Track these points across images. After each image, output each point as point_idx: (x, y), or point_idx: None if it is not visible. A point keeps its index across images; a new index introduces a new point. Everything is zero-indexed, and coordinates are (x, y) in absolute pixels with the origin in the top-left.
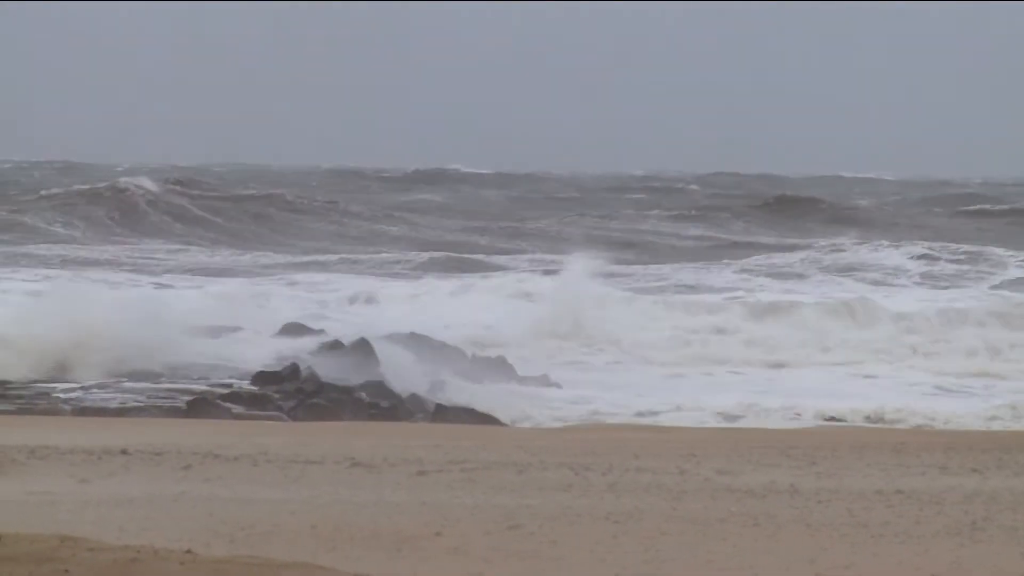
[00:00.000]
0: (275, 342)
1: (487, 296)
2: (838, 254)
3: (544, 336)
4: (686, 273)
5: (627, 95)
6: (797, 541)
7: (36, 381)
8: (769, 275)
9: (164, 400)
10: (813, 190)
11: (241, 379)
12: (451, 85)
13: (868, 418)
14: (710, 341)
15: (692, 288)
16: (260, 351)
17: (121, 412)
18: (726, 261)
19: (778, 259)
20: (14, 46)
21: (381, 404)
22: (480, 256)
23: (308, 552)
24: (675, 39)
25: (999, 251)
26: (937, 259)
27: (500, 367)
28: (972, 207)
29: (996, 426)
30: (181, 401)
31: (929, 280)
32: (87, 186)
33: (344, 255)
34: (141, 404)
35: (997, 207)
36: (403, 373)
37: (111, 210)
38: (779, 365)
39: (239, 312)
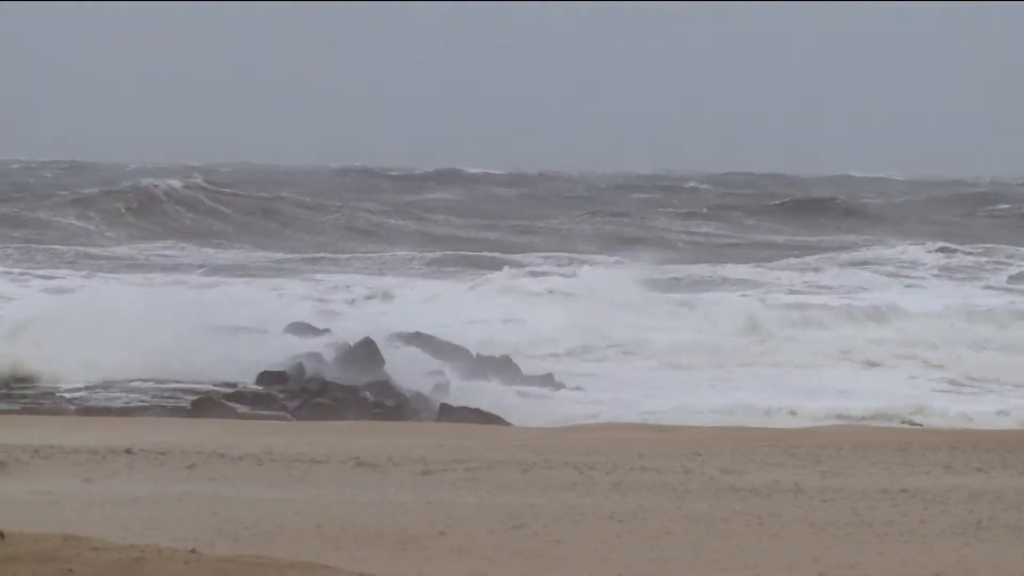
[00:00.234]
0: (280, 341)
1: (519, 297)
2: (894, 255)
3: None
4: (745, 271)
5: (627, 95)
6: (801, 540)
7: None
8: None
9: (168, 400)
10: (829, 190)
11: (246, 378)
12: (452, 85)
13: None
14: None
15: (798, 290)
16: (265, 350)
17: (125, 412)
18: (789, 259)
19: (841, 258)
20: (13, 46)
21: (386, 403)
22: (514, 255)
23: (312, 551)
24: (676, 39)
25: None
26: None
27: (505, 367)
28: (999, 206)
29: None
30: (185, 401)
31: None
32: (115, 187)
33: (369, 253)
34: (145, 404)
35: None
36: (408, 373)
37: (144, 210)
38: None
39: (250, 311)
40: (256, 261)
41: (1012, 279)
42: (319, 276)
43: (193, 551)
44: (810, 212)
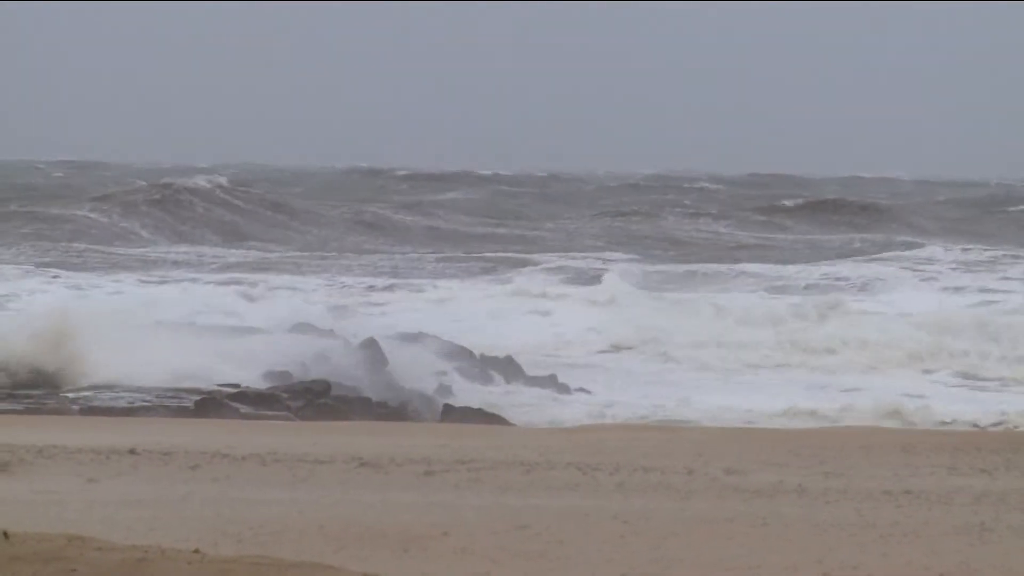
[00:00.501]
0: (284, 341)
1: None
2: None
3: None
4: (761, 268)
5: (623, 95)
6: (805, 541)
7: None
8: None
9: (172, 400)
10: (844, 190)
11: (250, 379)
12: (451, 85)
13: None
14: None
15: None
16: (269, 351)
17: (129, 412)
18: (859, 259)
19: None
20: (11, 45)
21: (389, 404)
22: (526, 255)
23: (316, 552)
24: (673, 38)
25: None
26: None
27: (508, 367)
28: (1020, 207)
29: None
30: (189, 401)
31: None
32: (138, 187)
33: (384, 253)
34: (149, 404)
35: None
36: (411, 373)
37: (174, 209)
38: None
39: (260, 310)
40: (279, 260)
41: None
42: (341, 277)
43: (196, 551)
44: (832, 212)
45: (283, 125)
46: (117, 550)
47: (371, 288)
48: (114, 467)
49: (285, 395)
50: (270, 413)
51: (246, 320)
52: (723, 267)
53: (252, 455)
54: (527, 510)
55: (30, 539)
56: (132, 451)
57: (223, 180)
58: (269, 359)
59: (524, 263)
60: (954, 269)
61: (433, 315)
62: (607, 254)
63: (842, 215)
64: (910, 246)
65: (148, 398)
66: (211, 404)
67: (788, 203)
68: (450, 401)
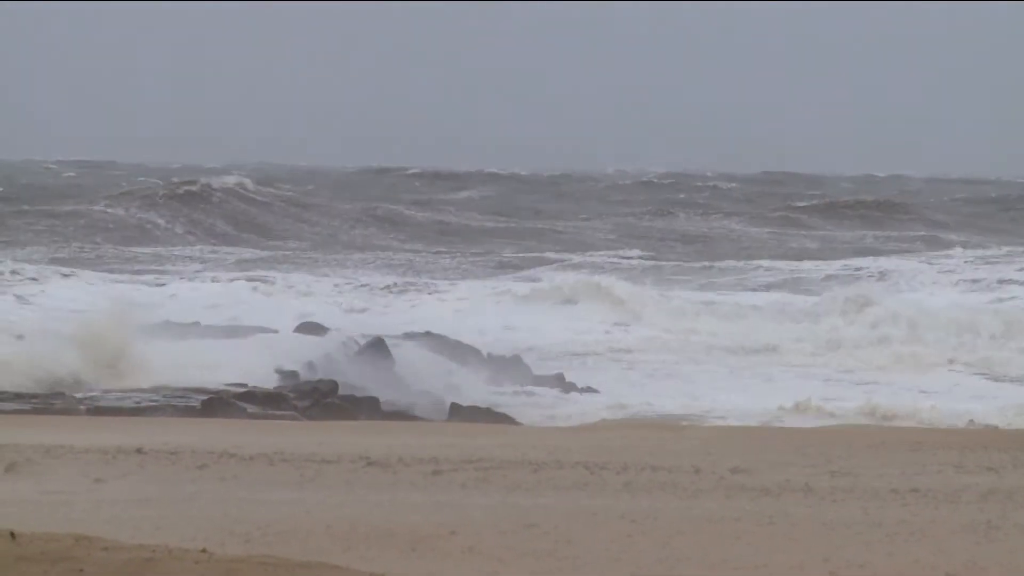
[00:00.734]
0: (291, 340)
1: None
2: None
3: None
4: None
5: (629, 94)
6: (812, 540)
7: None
8: None
9: (179, 400)
10: (857, 189)
11: (257, 378)
12: (452, 85)
13: None
14: None
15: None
16: (276, 350)
17: (136, 412)
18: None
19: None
20: (13, 45)
21: (396, 403)
22: (536, 254)
23: (323, 551)
24: (670, 38)
25: None
26: None
27: (516, 366)
28: None
29: None
30: (196, 401)
31: None
32: (154, 187)
33: (400, 252)
34: (156, 404)
35: None
36: (418, 372)
37: (199, 206)
38: None
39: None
40: (297, 258)
41: None
42: (360, 276)
43: (204, 551)
44: (851, 209)
45: (290, 125)
46: (124, 550)
47: (390, 287)
48: (121, 467)
49: (292, 395)
50: (277, 413)
51: (255, 319)
52: (739, 263)
53: (259, 455)
54: (535, 509)
55: (37, 539)
56: (139, 451)
57: (247, 180)
58: (276, 358)
59: (540, 262)
60: (972, 264)
61: (447, 313)
62: (623, 251)
63: (859, 212)
64: (931, 243)
65: (155, 398)
66: (218, 404)
67: (805, 202)
68: (457, 400)
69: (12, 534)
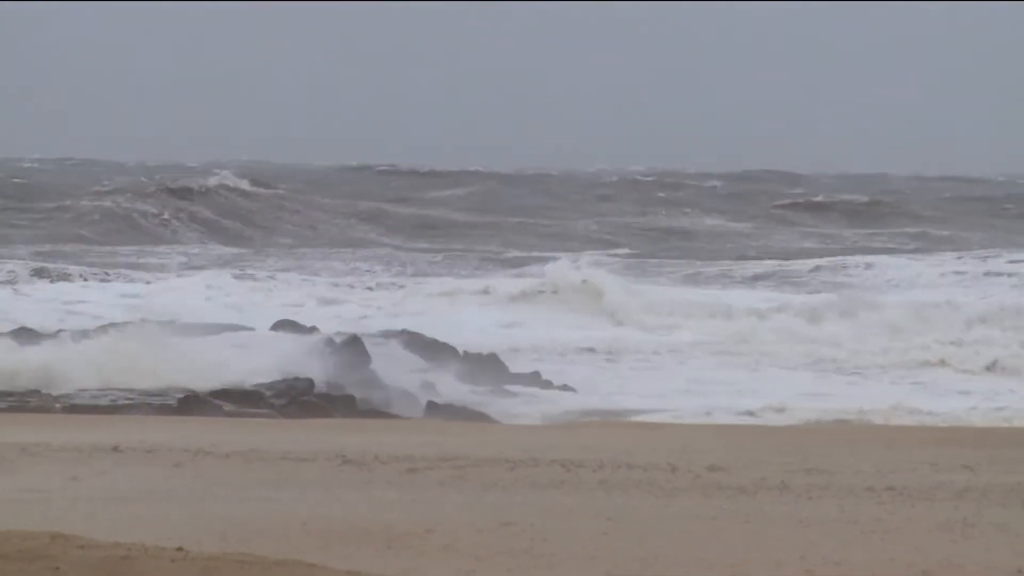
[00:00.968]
0: (267, 339)
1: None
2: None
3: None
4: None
5: (607, 94)
6: (788, 538)
7: None
8: None
9: (155, 398)
10: (840, 186)
11: (232, 377)
12: (450, 85)
13: None
14: None
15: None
16: (251, 348)
17: (112, 410)
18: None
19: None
20: (11, 45)
21: (372, 401)
22: (520, 253)
23: (299, 549)
24: (666, 38)
25: None
26: None
27: (492, 364)
28: None
29: None
30: (172, 399)
31: None
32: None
33: (390, 249)
34: (132, 402)
35: None
36: (394, 370)
37: (184, 205)
38: None
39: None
40: (282, 256)
41: None
42: (347, 275)
43: (180, 549)
44: (837, 208)
45: (288, 125)
46: (101, 548)
47: (375, 285)
48: (97, 465)
49: (268, 393)
50: (253, 411)
51: (230, 318)
52: (731, 263)
53: (235, 453)
54: (511, 507)
55: (14, 537)
56: (115, 449)
57: (239, 179)
58: (252, 357)
59: (522, 260)
60: (961, 260)
61: (429, 310)
62: (606, 248)
63: (844, 210)
64: (920, 239)
65: (131, 396)
66: (194, 402)
67: (793, 200)
68: (434, 398)
69: None
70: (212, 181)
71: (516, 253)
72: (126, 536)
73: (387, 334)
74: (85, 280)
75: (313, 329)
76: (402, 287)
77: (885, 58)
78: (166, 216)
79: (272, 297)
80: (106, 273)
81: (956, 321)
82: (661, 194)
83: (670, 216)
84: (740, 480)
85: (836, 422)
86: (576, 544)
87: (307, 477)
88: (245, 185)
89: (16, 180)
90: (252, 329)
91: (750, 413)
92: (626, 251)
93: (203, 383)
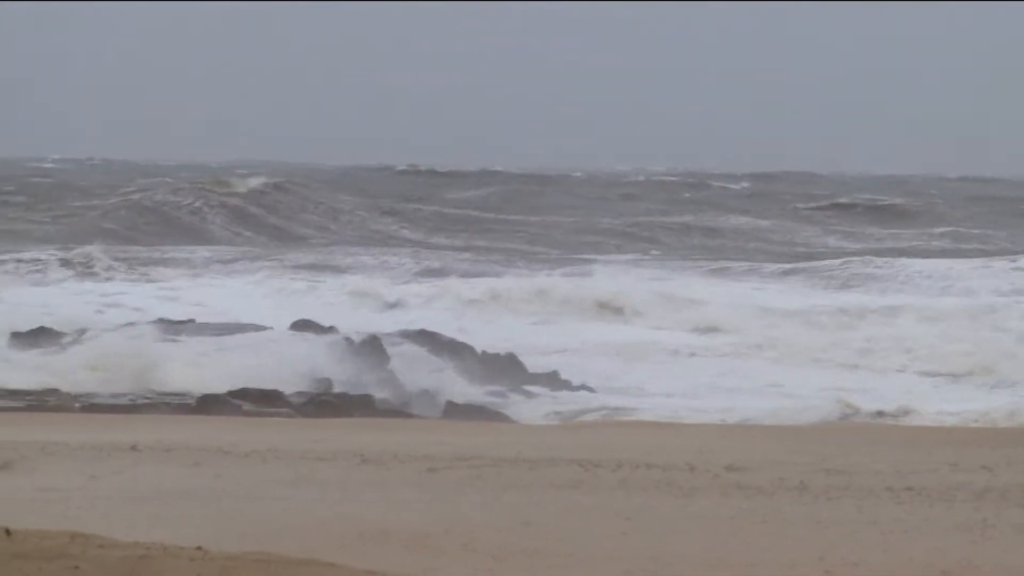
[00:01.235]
0: (286, 338)
1: None
2: None
3: None
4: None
5: (620, 95)
6: (806, 538)
7: None
8: None
9: (173, 397)
10: (864, 187)
11: (252, 377)
12: (453, 85)
13: None
14: None
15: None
16: (271, 348)
17: (131, 409)
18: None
19: None
20: (13, 45)
21: (390, 401)
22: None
23: (318, 549)
24: (664, 37)
25: None
26: None
27: (510, 364)
28: None
29: None
30: (191, 398)
31: None
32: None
33: (413, 248)
34: (150, 401)
35: None
36: (412, 370)
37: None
38: None
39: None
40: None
41: None
42: (374, 275)
43: (199, 548)
44: (871, 210)
45: (273, 125)
46: (119, 547)
47: (411, 280)
48: (116, 464)
49: (286, 392)
50: (272, 410)
51: (250, 317)
52: (757, 264)
53: (254, 452)
54: (529, 507)
55: (32, 536)
56: (134, 448)
57: (273, 179)
58: (271, 357)
59: (543, 259)
60: (992, 262)
61: (455, 311)
62: (632, 255)
63: (874, 213)
64: (954, 238)
65: (149, 395)
66: (212, 401)
67: (815, 202)
68: (452, 398)
69: (7, 531)
70: (253, 182)
71: (564, 254)
72: (145, 535)
73: (405, 334)
74: (120, 274)
75: (332, 329)
76: (434, 288)
77: (899, 59)
78: (207, 213)
79: (294, 299)
80: (141, 271)
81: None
82: (687, 194)
83: (702, 215)
84: (759, 480)
85: (855, 422)
86: (594, 544)
87: (326, 476)
88: (285, 184)
89: (43, 180)
90: (270, 328)
91: (771, 414)
92: (657, 251)
93: (220, 383)
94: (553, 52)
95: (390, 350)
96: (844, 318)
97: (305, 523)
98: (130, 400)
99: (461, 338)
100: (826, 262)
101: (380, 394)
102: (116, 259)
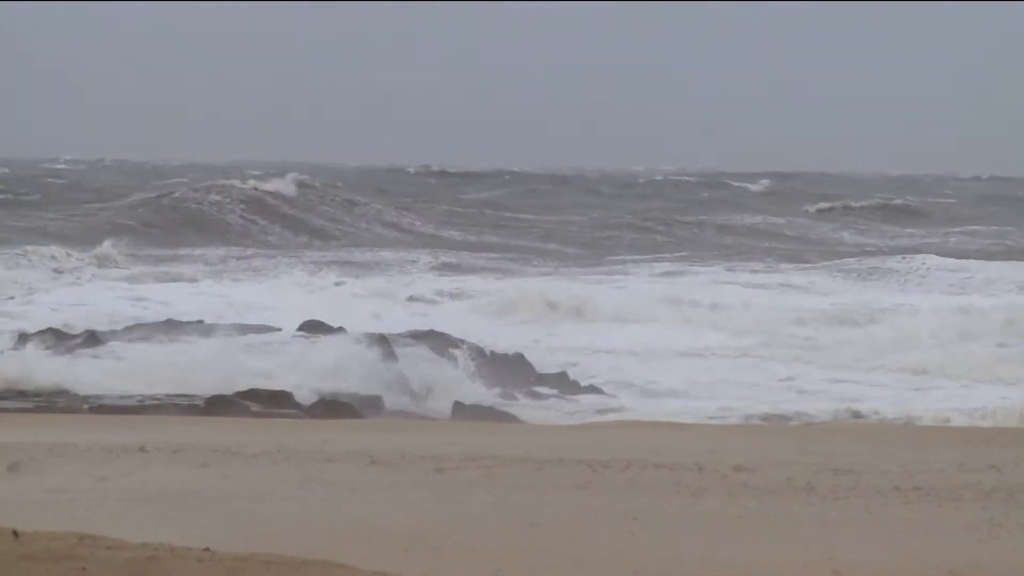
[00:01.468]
0: (294, 339)
1: None
2: None
3: None
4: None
5: (610, 94)
6: (814, 538)
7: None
8: None
9: (182, 398)
10: (881, 188)
11: (260, 377)
12: (453, 85)
13: None
14: None
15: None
16: (279, 348)
17: (139, 410)
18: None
19: None
20: (14, 46)
21: (399, 402)
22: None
23: (326, 550)
24: (664, 37)
25: None
26: None
27: (518, 364)
28: None
29: None
30: (199, 399)
31: None
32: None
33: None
34: (159, 402)
35: None
36: (421, 370)
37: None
38: None
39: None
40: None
41: None
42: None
43: (207, 549)
44: (900, 212)
45: (283, 124)
46: (128, 548)
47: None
48: (124, 465)
49: (295, 393)
50: (280, 411)
51: (259, 318)
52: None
53: (262, 453)
54: (538, 507)
55: (41, 538)
56: (142, 449)
57: (301, 177)
58: (279, 357)
59: (557, 257)
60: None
61: (476, 314)
62: (647, 255)
63: (888, 212)
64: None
65: (158, 396)
66: (221, 402)
67: (853, 203)
68: (460, 398)
69: (15, 533)
70: (288, 179)
71: (583, 252)
72: (153, 536)
73: (414, 334)
74: (146, 271)
75: (340, 330)
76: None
77: (907, 60)
78: (237, 213)
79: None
80: (165, 268)
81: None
82: (705, 194)
83: (718, 214)
84: (767, 480)
85: (862, 422)
86: (603, 544)
87: (334, 477)
88: (314, 184)
89: (55, 180)
90: (279, 330)
91: (782, 414)
92: (671, 251)
93: (229, 384)
94: (553, 52)
95: (399, 351)
96: (857, 316)
97: (313, 524)
98: (138, 401)
99: (471, 338)
100: (841, 260)
101: (388, 395)
102: (135, 255)
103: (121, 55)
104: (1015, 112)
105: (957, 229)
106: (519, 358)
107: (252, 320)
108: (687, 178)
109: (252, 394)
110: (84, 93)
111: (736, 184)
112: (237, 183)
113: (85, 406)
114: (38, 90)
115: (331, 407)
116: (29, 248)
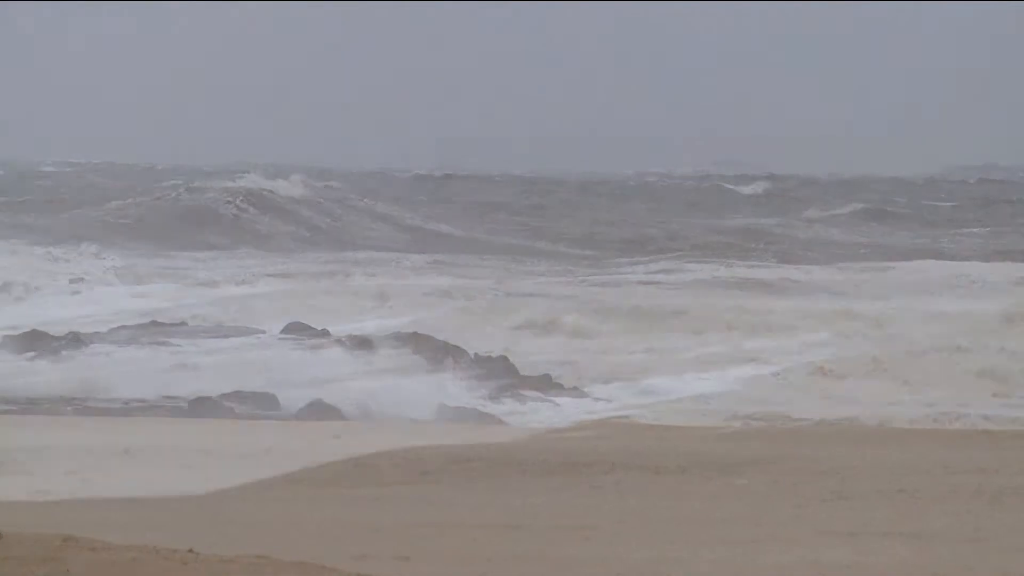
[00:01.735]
0: (278, 341)
1: None
2: None
3: None
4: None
5: (609, 95)
6: (800, 540)
7: None
8: None
9: (166, 400)
10: (873, 190)
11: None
12: (453, 85)
13: None
14: None
15: None
16: (263, 350)
17: (123, 412)
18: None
19: None
20: (16, 47)
21: (382, 403)
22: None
23: (311, 552)
24: (665, 37)
25: None
26: None
27: (503, 367)
28: None
29: None
30: (183, 401)
31: None
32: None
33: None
34: (143, 404)
35: None
36: (405, 372)
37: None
38: None
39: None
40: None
41: None
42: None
43: (191, 551)
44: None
45: (282, 124)
46: (111, 550)
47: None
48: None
49: (279, 395)
50: (265, 413)
51: (243, 320)
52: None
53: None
54: (522, 510)
55: (24, 539)
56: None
57: (308, 179)
58: (263, 359)
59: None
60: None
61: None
62: (649, 256)
63: (895, 217)
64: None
65: (143, 398)
66: (205, 404)
67: (848, 207)
68: (445, 400)
69: None
70: (293, 181)
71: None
72: (137, 538)
73: (397, 336)
74: (150, 273)
75: (324, 332)
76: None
77: (912, 61)
78: (249, 215)
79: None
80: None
81: None
82: (703, 197)
83: (716, 217)
84: (752, 483)
85: (848, 424)
86: (587, 547)
87: (319, 479)
88: (326, 186)
89: (42, 183)
90: (263, 332)
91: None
92: (668, 253)
93: (213, 386)
94: (555, 51)
95: (383, 352)
96: (843, 319)
97: (298, 525)
98: (123, 403)
99: (455, 341)
100: (845, 264)
101: (371, 396)
102: (121, 256)
103: (119, 54)
104: (1015, 112)
105: (966, 231)
106: (502, 359)
107: (236, 322)
108: (688, 181)
109: (236, 396)
110: (84, 93)
111: (731, 187)
112: (230, 184)
113: (69, 408)
114: (38, 90)
115: (315, 409)
116: (15, 249)
